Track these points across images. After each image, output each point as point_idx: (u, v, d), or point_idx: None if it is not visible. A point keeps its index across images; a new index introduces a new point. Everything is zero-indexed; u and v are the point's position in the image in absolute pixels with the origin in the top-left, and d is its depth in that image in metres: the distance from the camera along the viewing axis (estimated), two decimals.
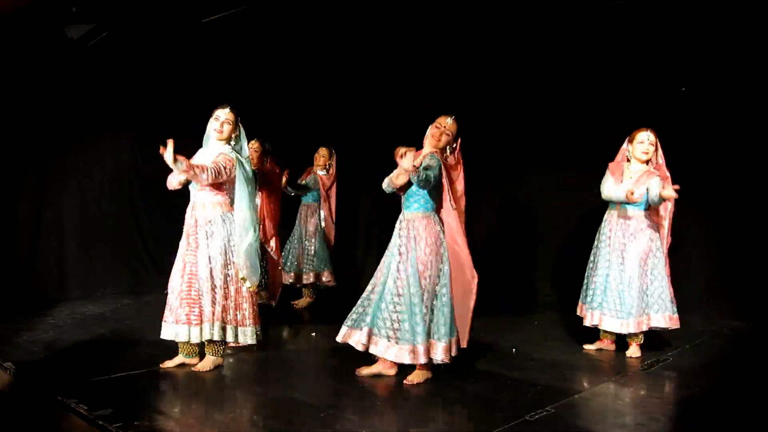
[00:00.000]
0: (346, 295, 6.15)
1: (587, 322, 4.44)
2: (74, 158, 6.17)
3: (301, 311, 5.86)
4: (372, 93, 6.93)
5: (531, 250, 6.57)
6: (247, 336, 3.91)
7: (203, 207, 3.83)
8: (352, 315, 3.76)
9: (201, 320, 3.77)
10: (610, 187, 4.34)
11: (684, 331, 4.51)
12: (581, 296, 4.54)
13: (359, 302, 3.77)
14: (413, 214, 3.68)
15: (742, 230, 5.37)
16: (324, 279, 5.98)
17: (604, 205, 4.49)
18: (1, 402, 3.68)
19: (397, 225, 3.75)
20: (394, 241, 3.73)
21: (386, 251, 3.77)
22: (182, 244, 3.87)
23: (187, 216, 3.89)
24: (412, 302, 3.55)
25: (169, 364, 3.87)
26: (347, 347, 3.72)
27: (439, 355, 3.59)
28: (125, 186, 6.58)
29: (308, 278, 5.96)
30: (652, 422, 3.15)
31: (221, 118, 3.84)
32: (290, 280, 5.96)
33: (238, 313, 3.87)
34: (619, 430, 3.07)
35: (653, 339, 4.46)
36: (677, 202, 4.26)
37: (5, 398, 3.68)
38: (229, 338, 3.87)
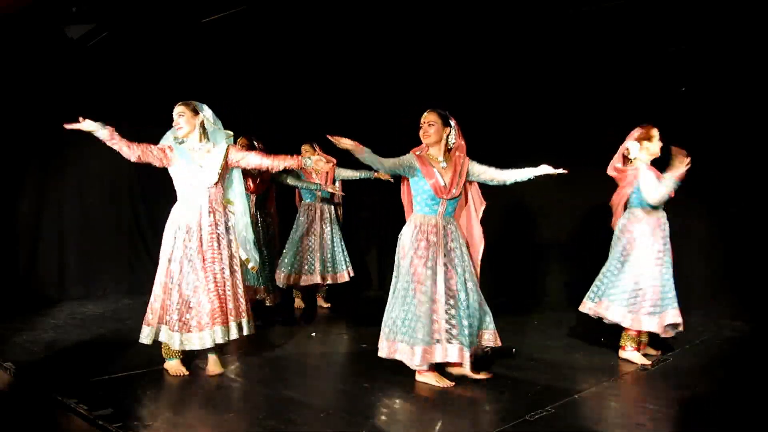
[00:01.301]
0: (346, 294, 6.19)
1: (625, 323, 4.16)
2: (74, 158, 6.17)
3: (326, 310, 5.92)
4: (372, 93, 6.93)
5: (531, 250, 6.57)
6: (251, 327, 3.91)
7: (218, 205, 3.82)
8: (420, 332, 3.53)
9: (226, 320, 3.72)
10: (659, 190, 4.07)
11: (684, 331, 4.51)
12: (605, 293, 4.25)
13: (418, 317, 3.56)
14: (450, 218, 3.73)
15: (742, 230, 5.37)
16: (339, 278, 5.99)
17: (606, 205, 4.46)
18: (1, 402, 3.68)
19: (432, 230, 3.66)
20: (433, 247, 3.64)
21: (416, 261, 3.63)
22: (194, 244, 3.70)
23: (200, 218, 3.73)
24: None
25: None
26: (345, 347, 3.71)
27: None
28: (125, 186, 6.58)
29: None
30: (652, 422, 3.15)
31: (174, 115, 3.84)
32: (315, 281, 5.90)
33: (245, 307, 3.91)
34: (619, 430, 3.07)
35: (653, 339, 4.46)
36: (677, 201, 4.25)
37: (5, 398, 3.68)
38: (245, 332, 3.85)
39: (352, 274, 5.96)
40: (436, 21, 5.30)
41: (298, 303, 5.97)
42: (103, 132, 3.63)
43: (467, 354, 3.53)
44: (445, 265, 3.62)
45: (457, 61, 6.19)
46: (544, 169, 3.68)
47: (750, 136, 5.26)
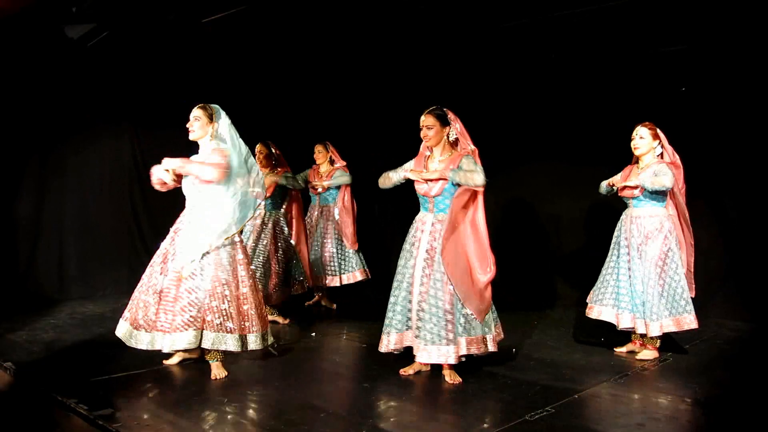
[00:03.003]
0: (346, 294, 6.19)
1: (602, 317, 4.30)
2: (74, 158, 6.17)
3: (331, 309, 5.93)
4: (375, 91, 6.93)
5: (531, 250, 6.57)
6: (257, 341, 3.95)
7: None
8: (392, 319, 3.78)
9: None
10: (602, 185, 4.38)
11: (684, 331, 4.50)
12: (594, 295, 4.40)
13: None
14: (442, 216, 3.74)
15: (742, 230, 5.37)
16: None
17: (606, 204, 4.47)
18: (1, 402, 3.68)
19: (421, 227, 3.80)
20: (424, 241, 3.75)
21: (408, 254, 3.79)
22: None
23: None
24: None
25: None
26: (345, 347, 3.72)
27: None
28: (125, 186, 6.58)
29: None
30: (652, 422, 3.15)
31: (190, 118, 3.80)
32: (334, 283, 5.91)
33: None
34: (619, 430, 3.07)
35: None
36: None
37: (5, 398, 3.68)
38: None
39: (358, 278, 5.96)
40: (441, 20, 5.29)
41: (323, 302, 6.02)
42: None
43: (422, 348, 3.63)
44: (424, 261, 3.71)
45: (461, 62, 6.19)
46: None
47: (750, 136, 5.27)
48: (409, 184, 3.86)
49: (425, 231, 3.77)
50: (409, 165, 3.87)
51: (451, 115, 3.78)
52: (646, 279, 4.14)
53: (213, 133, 3.82)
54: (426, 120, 3.74)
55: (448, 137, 3.77)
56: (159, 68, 6.31)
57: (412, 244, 3.81)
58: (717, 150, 5.38)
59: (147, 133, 6.59)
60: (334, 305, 6.00)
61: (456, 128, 3.77)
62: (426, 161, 3.83)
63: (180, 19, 5.16)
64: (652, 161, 4.19)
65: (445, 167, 3.68)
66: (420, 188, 3.78)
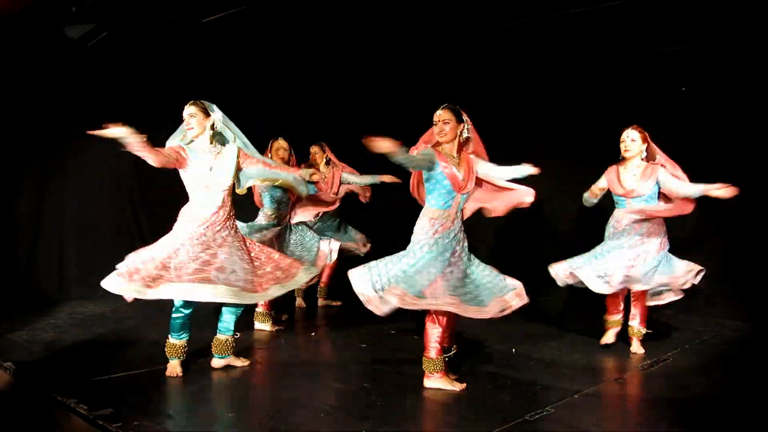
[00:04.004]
0: (345, 294, 6.19)
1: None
2: (74, 158, 6.16)
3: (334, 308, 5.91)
4: (373, 91, 6.93)
5: (530, 250, 6.57)
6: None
7: (229, 206, 3.85)
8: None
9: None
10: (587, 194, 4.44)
11: (684, 331, 4.52)
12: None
13: None
14: (460, 213, 3.75)
15: (742, 230, 5.38)
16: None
17: (607, 204, 4.47)
18: (1, 402, 3.68)
19: (449, 225, 3.67)
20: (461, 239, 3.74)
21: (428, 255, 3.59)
22: (200, 231, 3.73)
23: (213, 217, 3.73)
24: None
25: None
26: (345, 347, 3.71)
27: None
28: (125, 186, 6.58)
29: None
30: (652, 422, 3.15)
31: (185, 115, 3.74)
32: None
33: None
34: (619, 430, 3.07)
35: (653, 339, 4.46)
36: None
37: (5, 398, 3.68)
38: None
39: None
40: (441, 20, 5.29)
41: (299, 302, 5.97)
42: (133, 139, 3.49)
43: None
44: (459, 257, 3.65)
45: (461, 62, 6.20)
46: (526, 170, 3.73)
47: (750, 136, 5.27)
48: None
49: (452, 229, 3.65)
50: (430, 152, 3.62)
51: (464, 114, 3.73)
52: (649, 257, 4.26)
53: (210, 130, 3.75)
54: (443, 114, 3.64)
55: (460, 135, 3.71)
56: (159, 68, 6.31)
57: (441, 243, 3.62)
58: (717, 150, 5.38)
59: (147, 133, 6.56)
60: (304, 304, 5.96)
61: (468, 127, 3.72)
62: (446, 158, 3.66)
63: (180, 19, 5.16)
64: (640, 163, 4.29)
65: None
66: (458, 183, 3.62)
